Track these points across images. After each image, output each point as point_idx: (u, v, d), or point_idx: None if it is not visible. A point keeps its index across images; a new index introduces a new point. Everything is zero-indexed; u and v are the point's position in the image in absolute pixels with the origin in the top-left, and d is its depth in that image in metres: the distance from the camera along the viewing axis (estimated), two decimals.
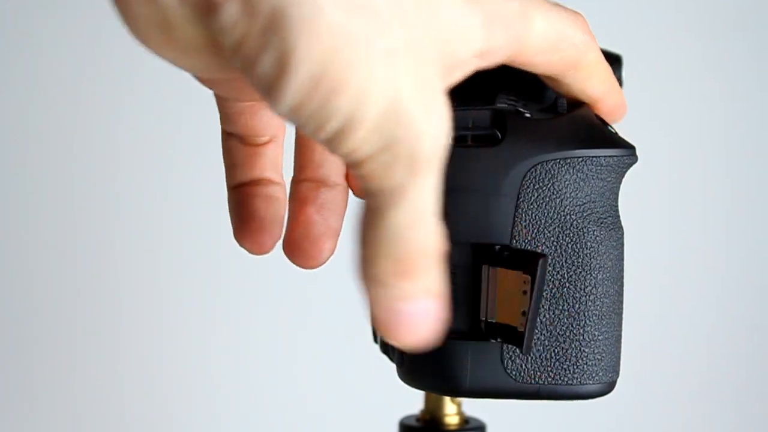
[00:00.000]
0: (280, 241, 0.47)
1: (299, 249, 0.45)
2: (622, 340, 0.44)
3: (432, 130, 0.33)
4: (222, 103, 0.45)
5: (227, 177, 0.45)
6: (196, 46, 0.34)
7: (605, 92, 0.44)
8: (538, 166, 0.42)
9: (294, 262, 0.45)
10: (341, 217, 0.46)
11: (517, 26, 0.38)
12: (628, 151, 0.43)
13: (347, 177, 0.46)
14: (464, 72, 0.37)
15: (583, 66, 0.42)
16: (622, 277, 0.44)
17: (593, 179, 0.43)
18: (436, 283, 0.35)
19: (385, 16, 0.32)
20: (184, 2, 0.33)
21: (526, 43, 0.39)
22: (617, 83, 0.45)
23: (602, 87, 0.43)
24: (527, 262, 0.41)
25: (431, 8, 0.34)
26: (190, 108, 0.85)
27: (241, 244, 0.44)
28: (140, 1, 0.33)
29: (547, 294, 0.43)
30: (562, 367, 0.43)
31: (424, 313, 0.35)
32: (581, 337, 0.43)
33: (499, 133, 0.43)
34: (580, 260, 0.43)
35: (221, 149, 0.46)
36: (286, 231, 0.46)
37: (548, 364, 0.43)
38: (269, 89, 0.32)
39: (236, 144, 0.45)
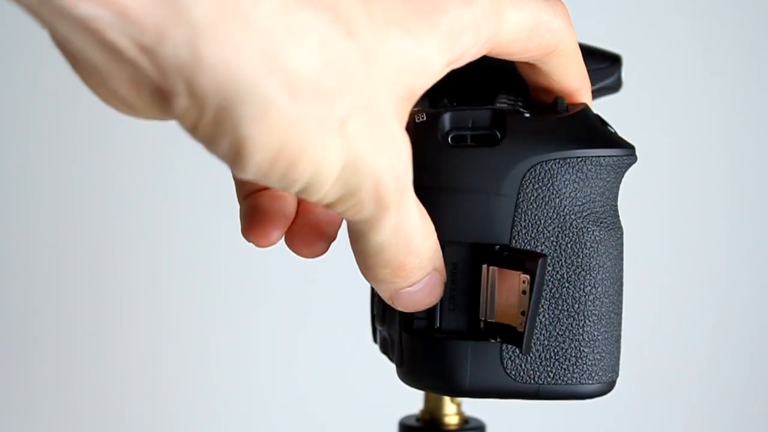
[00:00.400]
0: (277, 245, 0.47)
1: (299, 238, 0.45)
2: (622, 340, 0.45)
3: (391, 168, 0.36)
4: None
5: (237, 191, 0.46)
6: (161, 118, 0.36)
7: (581, 84, 0.44)
8: (538, 166, 0.42)
9: (295, 252, 0.45)
10: None
11: (486, 26, 0.39)
12: (627, 151, 0.43)
13: None
14: (432, 83, 0.39)
15: (562, 51, 0.43)
16: (622, 277, 0.44)
17: (593, 179, 0.43)
18: (432, 265, 0.40)
19: (334, 94, 0.34)
20: (140, 91, 0.34)
21: (499, 38, 0.40)
22: (588, 80, 0.45)
23: (579, 78, 0.44)
24: (527, 262, 0.41)
25: (384, 62, 0.36)
26: None
27: (247, 238, 0.45)
28: (98, 85, 0.35)
29: (546, 294, 0.43)
30: (561, 367, 0.43)
31: (426, 288, 0.41)
32: (581, 337, 0.43)
33: (498, 133, 0.43)
34: (579, 260, 0.43)
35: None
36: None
37: (548, 364, 0.43)
38: (231, 165, 0.35)
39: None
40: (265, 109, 0.33)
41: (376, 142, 0.36)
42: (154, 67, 0.33)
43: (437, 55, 0.38)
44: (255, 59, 0.33)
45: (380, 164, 0.36)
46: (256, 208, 0.45)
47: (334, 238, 0.45)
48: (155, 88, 0.34)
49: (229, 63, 0.32)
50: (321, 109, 0.34)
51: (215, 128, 0.34)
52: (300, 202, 0.46)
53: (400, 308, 0.42)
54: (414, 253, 0.39)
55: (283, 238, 0.46)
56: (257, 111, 0.33)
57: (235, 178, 0.46)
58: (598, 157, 0.43)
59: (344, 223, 0.44)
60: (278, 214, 0.44)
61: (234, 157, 0.34)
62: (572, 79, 0.44)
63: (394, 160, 0.36)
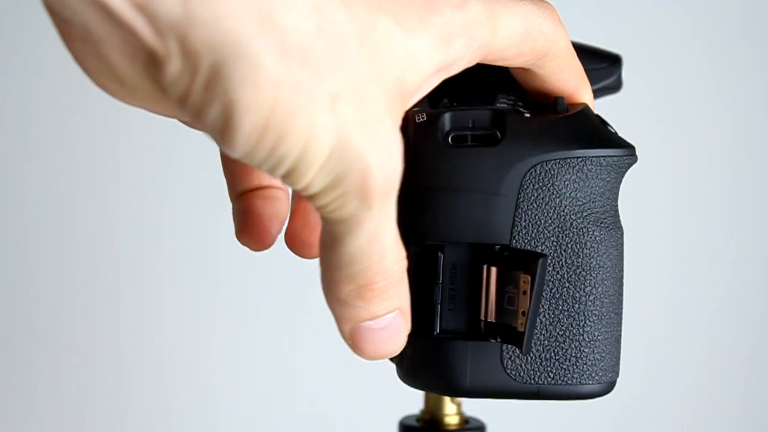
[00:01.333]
0: (277, 245, 0.47)
1: (299, 238, 0.45)
2: (622, 340, 0.44)
3: (381, 164, 0.35)
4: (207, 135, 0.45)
5: (229, 189, 0.46)
6: (152, 97, 0.36)
7: (579, 84, 0.44)
8: (538, 166, 0.42)
9: (296, 253, 0.45)
10: None
11: (479, 33, 0.39)
12: (627, 151, 0.43)
13: None
14: (426, 90, 0.39)
15: (555, 54, 0.43)
16: (622, 277, 0.44)
17: (593, 179, 0.43)
18: (398, 301, 0.38)
19: (326, 64, 0.34)
20: (133, 59, 0.34)
21: (493, 44, 0.40)
22: (587, 79, 0.45)
23: (575, 79, 0.44)
24: (527, 262, 0.41)
25: (375, 47, 0.35)
26: None
27: (241, 242, 0.45)
28: (90, 56, 0.35)
29: (546, 294, 0.43)
30: (561, 367, 0.43)
31: (388, 329, 0.39)
32: (581, 337, 0.43)
33: (498, 133, 0.43)
34: (579, 260, 0.43)
35: (220, 164, 0.46)
36: (287, 224, 0.46)
37: (548, 364, 0.43)
38: (220, 138, 0.34)
39: (229, 160, 0.46)
40: (256, 70, 0.33)
41: (368, 131, 0.35)
42: (148, 25, 0.32)
43: (427, 52, 0.37)
44: (248, 16, 0.32)
45: (371, 155, 0.35)
46: (249, 210, 0.44)
47: None
48: (148, 53, 0.33)
49: (221, 20, 0.32)
50: (311, 78, 0.33)
51: (206, 95, 0.33)
52: (298, 204, 0.46)
53: (360, 352, 0.39)
54: (383, 272, 0.37)
55: (283, 239, 0.46)
56: (248, 72, 0.33)
57: (227, 174, 0.46)
58: (599, 157, 0.43)
59: None
60: (272, 217, 0.44)
61: (223, 125, 0.33)
62: (569, 81, 0.44)
63: (385, 157, 0.35)
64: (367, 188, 0.35)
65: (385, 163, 0.35)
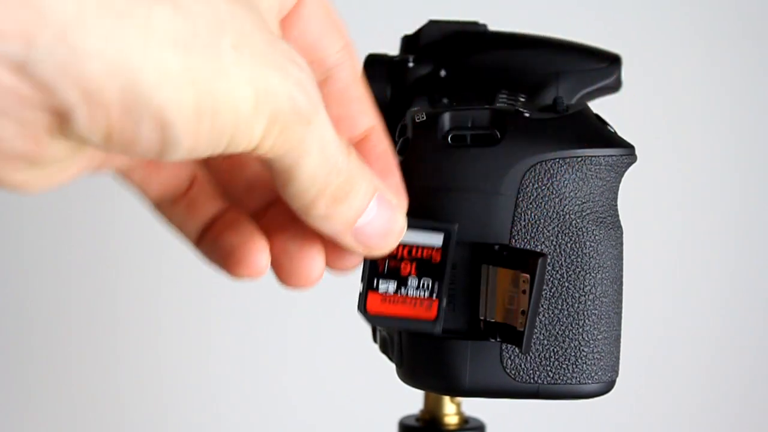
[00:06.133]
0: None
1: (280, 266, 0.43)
2: (622, 339, 0.45)
3: (298, 81, 0.36)
4: (141, 188, 0.44)
5: (185, 240, 0.44)
6: (68, 157, 0.34)
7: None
8: (537, 166, 0.42)
9: (282, 280, 0.44)
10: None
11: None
12: (627, 151, 0.43)
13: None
14: None
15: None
16: (622, 276, 0.44)
17: (592, 179, 0.43)
18: (369, 184, 0.39)
19: (211, 25, 0.34)
20: (34, 132, 0.32)
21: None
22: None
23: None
24: (526, 261, 0.41)
25: None
26: None
27: (238, 277, 0.43)
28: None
29: (546, 293, 0.43)
30: (561, 367, 0.43)
31: (381, 212, 0.40)
32: (580, 337, 0.43)
33: (498, 133, 0.43)
34: (579, 260, 0.43)
35: (163, 222, 0.45)
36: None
37: (547, 363, 0.43)
38: (161, 149, 0.33)
39: (168, 206, 0.44)
40: (163, 70, 0.32)
41: (272, 61, 0.35)
42: (35, 83, 0.31)
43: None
44: (133, 30, 0.32)
45: (286, 80, 0.35)
46: (223, 248, 0.42)
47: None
48: (47, 113, 0.32)
49: (113, 41, 0.32)
50: (209, 48, 0.34)
51: (130, 117, 0.32)
52: (272, 241, 0.44)
53: (377, 249, 0.40)
54: (342, 168, 0.38)
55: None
56: (158, 75, 0.32)
57: (173, 227, 0.45)
58: (598, 156, 0.43)
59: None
60: (247, 242, 0.42)
61: (162, 135, 0.33)
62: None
63: (296, 73, 0.36)
64: (299, 108, 0.36)
65: (300, 79, 0.36)
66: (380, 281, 0.42)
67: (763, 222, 1.00)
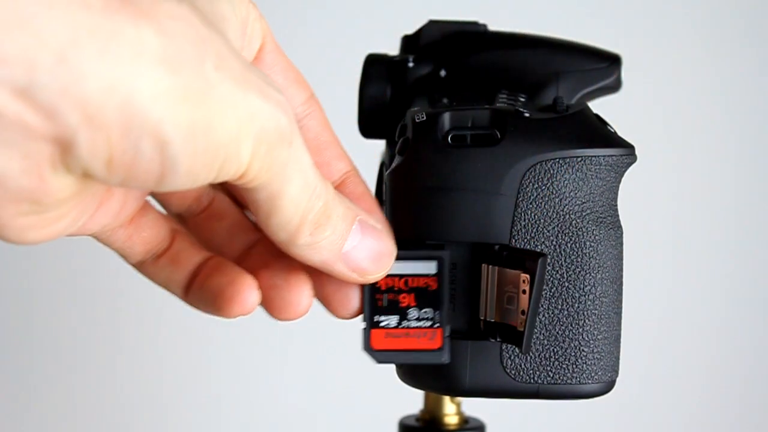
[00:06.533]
0: None
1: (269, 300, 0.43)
2: (622, 339, 0.44)
3: (278, 102, 0.36)
4: (125, 247, 0.44)
5: (174, 293, 0.45)
6: (72, 196, 0.35)
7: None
8: (537, 166, 0.42)
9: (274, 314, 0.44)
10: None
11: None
12: (627, 151, 0.43)
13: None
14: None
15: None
16: (622, 276, 0.44)
17: (592, 179, 0.43)
18: (348, 210, 0.40)
19: (199, 48, 0.34)
20: (39, 165, 0.33)
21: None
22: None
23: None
24: (526, 261, 0.41)
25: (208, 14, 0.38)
26: None
27: (230, 316, 0.43)
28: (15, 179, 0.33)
29: (546, 293, 0.43)
30: (561, 367, 0.43)
31: (366, 237, 0.41)
32: (580, 337, 0.43)
33: (498, 133, 0.43)
34: (579, 260, 0.43)
35: (149, 280, 0.46)
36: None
37: (547, 363, 0.43)
38: (161, 171, 0.34)
39: (152, 263, 0.45)
40: (158, 86, 0.33)
41: (252, 83, 0.36)
42: (39, 107, 0.32)
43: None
44: (125, 49, 0.32)
45: (267, 102, 0.36)
46: (211, 291, 0.42)
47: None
48: (50, 143, 0.32)
49: (108, 60, 0.32)
50: (195, 68, 0.34)
51: (129, 137, 0.33)
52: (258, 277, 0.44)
53: (368, 273, 0.41)
54: (322, 194, 0.39)
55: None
56: (153, 91, 0.33)
57: (160, 283, 0.45)
58: (598, 156, 0.43)
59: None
60: (234, 281, 0.42)
61: (161, 155, 0.33)
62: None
63: (275, 95, 0.36)
64: (282, 128, 0.36)
65: (279, 98, 0.36)
66: (381, 317, 0.43)
67: (762, 222, 1.00)
